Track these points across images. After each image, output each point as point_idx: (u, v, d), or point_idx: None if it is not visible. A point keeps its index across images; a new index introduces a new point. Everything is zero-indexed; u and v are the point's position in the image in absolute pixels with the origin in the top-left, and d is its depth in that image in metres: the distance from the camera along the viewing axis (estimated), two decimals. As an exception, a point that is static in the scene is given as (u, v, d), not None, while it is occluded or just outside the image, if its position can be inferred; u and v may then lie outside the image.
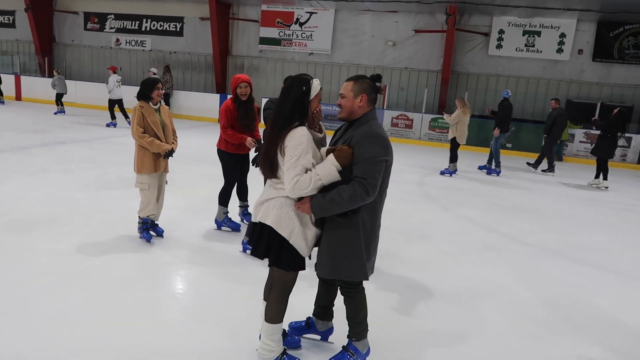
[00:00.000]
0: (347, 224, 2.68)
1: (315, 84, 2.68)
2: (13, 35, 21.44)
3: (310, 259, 2.84)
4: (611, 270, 5.26)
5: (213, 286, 4.04)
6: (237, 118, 4.94)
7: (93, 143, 10.95)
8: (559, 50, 15.70)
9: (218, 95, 17.60)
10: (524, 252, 5.65)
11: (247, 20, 18.49)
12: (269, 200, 2.68)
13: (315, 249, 2.85)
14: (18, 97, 19.48)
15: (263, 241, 2.68)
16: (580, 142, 14.77)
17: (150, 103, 4.76)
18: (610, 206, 8.67)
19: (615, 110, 10.41)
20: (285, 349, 2.93)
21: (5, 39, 21.61)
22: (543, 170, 11.92)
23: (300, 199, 2.64)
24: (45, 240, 4.75)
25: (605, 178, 10.40)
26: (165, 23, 19.52)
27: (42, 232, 4.97)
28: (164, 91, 4.88)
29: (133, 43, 20.09)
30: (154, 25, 19.67)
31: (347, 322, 2.98)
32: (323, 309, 3.18)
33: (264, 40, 18.32)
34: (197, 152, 10.33)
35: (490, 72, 16.55)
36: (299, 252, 2.69)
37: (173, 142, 4.89)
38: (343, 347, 3.00)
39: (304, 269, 2.78)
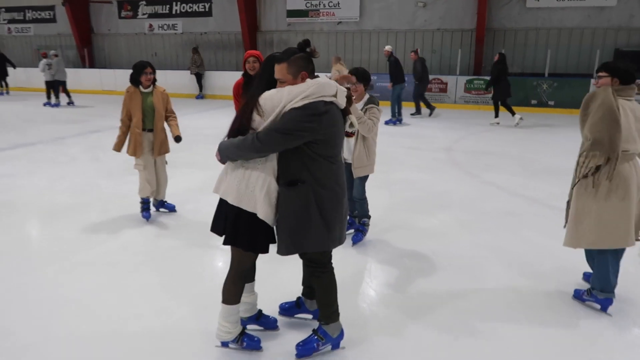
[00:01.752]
0: (297, 195, 2.58)
1: None
2: (55, 29, 22.25)
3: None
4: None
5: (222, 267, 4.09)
6: (242, 95, 4.78)
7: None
8: (605, -5, 14.49)
9: (249, 73, 17.58)
10: (548, 217, 5.35)
11: (274, -6, 18.25)
12: (230, 172, 2.63)
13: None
14: (63, 89, 20.26)
15: (222, 216, 2.65)
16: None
17: (141, 87, 4.89)
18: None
19: (496, 57, 11.84)
20: (243, 329, 2.90)
21: (48, 33, 22.47)
22: (411, 114, 13.20)
23: None
24: (62, 229, 4.95)
25: (513, 114, 11.62)
26: (194, 4, 19.59)
27: (61, 220, 5.19)
28: (153, 76, 4.90)
29: (165, 27, 20.35)
30: (183, 7, 19.79)
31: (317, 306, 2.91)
32: (309, 288, 3.14)
33: (291, 13, 18.05)
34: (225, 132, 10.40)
35: (530, 26, 15.54)
36: (261, 229, 2.61)
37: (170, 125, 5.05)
38: (313, 330, 2.91)
39: (265, 251, 2.70)
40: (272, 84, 2.61)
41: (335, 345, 2.89)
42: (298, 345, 2.85)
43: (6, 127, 11.36)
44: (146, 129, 4.93)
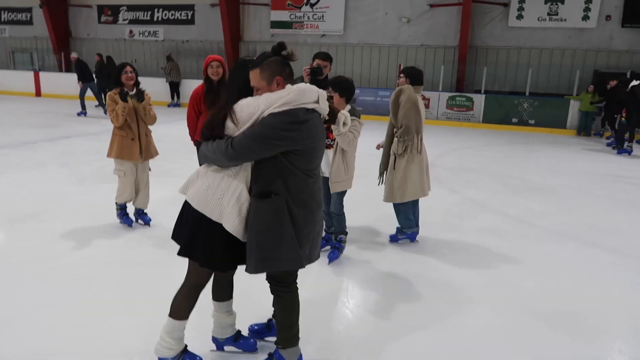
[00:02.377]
0: (269, 208, 2.36)
1: None
2: (31, 32, 21.73)
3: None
4: (627, 255, 4.79)
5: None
6: (205, 102, 4.49)
7: (101, 135, 10.89)
8: (585, 18, 14.75)
9: (230, 83, 17.38)
10: (529, 236, 5.21)
11: (258, 5, 18.13)
12: (201, 175, 2.42)
13: None
14: (38, 93, 19.74)
15: (184, 223, 2.43)
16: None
17: (125, 89, 4.68)
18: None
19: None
20: (186, 346, 2.64)
21: (24, 36, 21.93)
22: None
23: None
24: (19, 238, 4.61)
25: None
26: (176, 12, 19.37)
27: (19, 229, 4.84)
28: (133, 75, 4.66)
29: (146, 34, 20.05)
30: (165, 14, 19.56)
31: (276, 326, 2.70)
32: None
33: (275, 24, 17.95)
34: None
35: (511, 45, 15.72)
36: (219, 246, 2.38)
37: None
38: (269, 354, 2.70)
39: (223, 270, 2.47)
40: (245, 90, 2.40)
41: None
42: None
43: (-27, 130, 10.88)
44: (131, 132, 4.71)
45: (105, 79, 14.02)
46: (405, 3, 16.42)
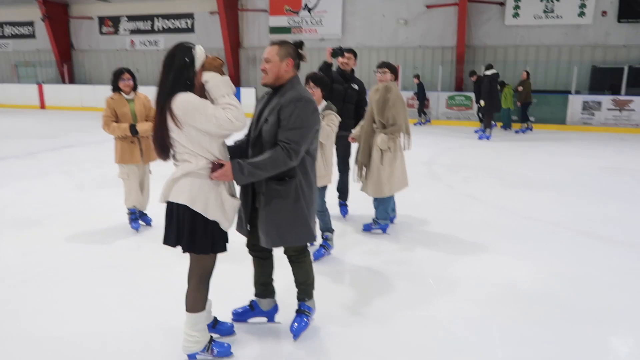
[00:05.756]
0: (286, 190, 2.64)
1: (199, 52, 2.41)
2: (34, 45, 22.02)
3: (247, 236, 2.88)
4: (623, 243, 4.84)
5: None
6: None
7: (103, 144, 11.04)
8: (581, 14, 14.82)
9: (231, 89, 17.55)
10: (525, 228, 5.27)
11: (256, 11, 18.31)
12: (179, 178, 2.45)
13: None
14: (42, 105, 20.01)
15: (173, 225, 2.47)
16: (609, 109, 13.88)
17: (123, 94, 4.79)
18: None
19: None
20: (211, 337, 2.74)
21: (27, 49, 22.22)
22: None
23: (214, 169, 2.43)
24: (25, 241, 4.72)
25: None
26: (176, 20, 19.60)
27: (25, 232, 4.96)
28: (131, 83, 4.78)
29: (147, 43, 20.28)
30: (165, 23, 19.79)
31: (297, 287, 3.02)
32: (264, 285, 3.06)
33: (274, 30, 18.12)
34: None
35: (508, 44, 15.80)
36: (217, 229, 2.49)
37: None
38: (297, 310, 3.03)
39: (224, 250, 2.57)
40: (179, 77, 2.38)
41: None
42: (292, 327, 2.94)
43: (-22, 142, 11.07)
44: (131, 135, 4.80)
45: None
46: (402, 5, 16.54)
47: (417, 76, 14.92)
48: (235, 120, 2.35)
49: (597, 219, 5.59)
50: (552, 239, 4.94)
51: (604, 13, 14.66)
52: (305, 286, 3.00)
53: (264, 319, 3.13)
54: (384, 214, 4.94)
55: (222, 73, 2.46)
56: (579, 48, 15.11)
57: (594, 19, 14.74)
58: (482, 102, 11.83)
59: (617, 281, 3.92)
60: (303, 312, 3.01)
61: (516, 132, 13.44)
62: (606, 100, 13.86)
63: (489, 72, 11.72)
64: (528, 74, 13.22)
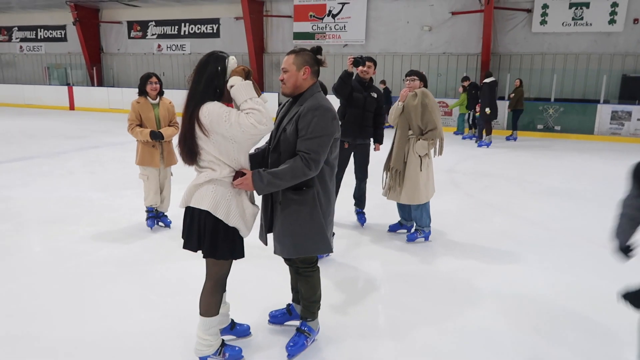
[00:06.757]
0: (303, 199, 2.62)
1: (232, 62, 2.47)
2: (65, 48, 22.66)
3: (267, 244, 2.84)
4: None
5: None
6: None
7: (127, 145, 11.26)
8: (611, 22, 14.48)
9: (255, 93, 17.72)
10: (546, 239, 5.16)
11: (281, 17, 18.46)
12: (202, 184, 2.49)
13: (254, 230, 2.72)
14: (72, 107, 20.52)
15: (194, 231, 2.50)
16: (639, 120, 13.50)
17: (148, 98, 4.90)
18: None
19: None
20: (223, 340, 2.76)
21: (59, 52, 22.88)
22: None
23: (236, 178, 2.47)
24: (50, 238, 4.84)
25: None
26: (202, 25, 19.90)
27: (50, 230, 5.09)
28: (158, 86, 4.89)
29: (173, 48, 20.64)
30: (192, 28, 20.11)
31: (301, 304, 2.93)
32: (297, 292, 3.06)
33: (297, 35, 18.23)
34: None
35: (535, 51, 15.54)
36: (237, 235, 2.53)
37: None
38: (297, 329, 2.92)
39: (242, 256, 2.60)
40: (210, 84, 2.43)
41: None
42: (288, 346, 2.84)
43: (8, 141, 11.39)
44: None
45: None
46: (426, 11, 16.46)
47: (383, 82, 15.28)
48: (259, 124, 2.35)
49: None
50: (573, 251, 4.83)
51: (635, 21, 14.30)
52: (309, 303, 2.88)
53: (299, 323, 3.05)
54: (427, 220, 4.91)
55: (245, 78, 2.47)
56: (608, 56, 14.77)
57: (625, 27, 14.38)
58: (487, 110, 11.73)
59: None
60: (303, 332, 2.90)
61: (507, 139, 13.32)
62: (637, 110, 13.49)
63: (488, 80, 11.76)
64: (521, 81, 13.10)
